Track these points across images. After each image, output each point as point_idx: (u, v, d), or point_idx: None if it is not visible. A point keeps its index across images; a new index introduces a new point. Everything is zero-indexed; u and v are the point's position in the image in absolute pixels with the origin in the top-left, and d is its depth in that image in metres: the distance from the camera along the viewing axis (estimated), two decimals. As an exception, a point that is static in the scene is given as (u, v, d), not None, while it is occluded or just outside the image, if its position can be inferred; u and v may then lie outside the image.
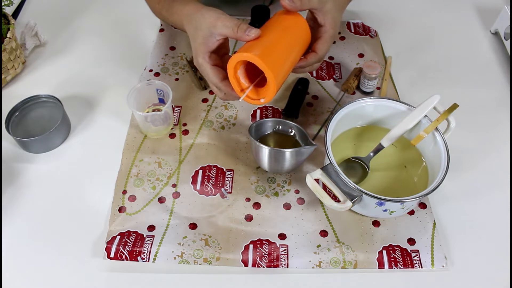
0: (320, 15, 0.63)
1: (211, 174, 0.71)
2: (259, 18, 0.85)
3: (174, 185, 0.70)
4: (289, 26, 0.61)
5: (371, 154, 0.68)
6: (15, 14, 1.00)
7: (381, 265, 0.62)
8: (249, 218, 0.67)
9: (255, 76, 0.61)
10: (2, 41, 0.79)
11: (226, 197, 0.69)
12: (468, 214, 0.68)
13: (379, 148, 0.68)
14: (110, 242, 0.63)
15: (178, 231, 0.65)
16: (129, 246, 0.62)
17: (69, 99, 0.82)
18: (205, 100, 0.82)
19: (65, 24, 0.98)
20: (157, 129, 0.75)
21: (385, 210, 0.63)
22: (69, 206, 0.68)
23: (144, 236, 0.64)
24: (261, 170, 0.72)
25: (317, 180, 0.62)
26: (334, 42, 0.93)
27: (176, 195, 0.69)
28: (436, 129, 0.66)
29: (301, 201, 0.69)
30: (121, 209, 0.67)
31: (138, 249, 0.62)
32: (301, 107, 0.80)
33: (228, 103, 0.81)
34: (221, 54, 0.65)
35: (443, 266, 0.62)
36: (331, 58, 0.90)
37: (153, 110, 0.79)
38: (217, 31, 0.60)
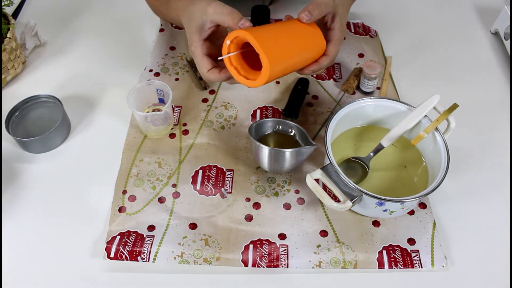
0: (330, 19, 0.64)
1: (211, 174, 0.71)
2: (259, 18, 0.85)
3: (174, 185, 0.70)
4: (301, 32, 0.61)
5: (371, 154, 0.68)
6: (15, 14, 1.00)
7: (381, 265, 0.62)
8: (249, 218, 0.67)
9: (254, 66, 0.61)
10: (2, 41, 0.79)
11: (226, 197, 0.69)
12: (468, 214, 0.68)
13: (379, 148, 0.68)
14: (110, 242, 0.63)
15: (178, 231, 0.65)
16: (129, 246, 0.62)
17: (69, 99, 0.82)
18: (205, 100, 0.82)
19: (65, 24, 0.98)
20: (157, 129, 0.75)
21: (385, 210, 0.63)
22: (69, 206, 0.68)
23: (144, 236, 0.64)
24: (261, 170, 0.72)
25: (317, 180, 0.62)
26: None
27: (176, 195, 0.69)
28: (436, 129, 0.66)
29: (301, 201, 0.69)
30: (121, 209, 0.67)
31: (138, 249, 0.62)
32: (301, 107, 0.80)
33: (228, 103, 0.81)
34: (218, 45, 0.65)
35: (443, 266, 0.62)
36: (331, 58, 0.90)
37: (153, 110, 0.79)
38: (209, 17, 0.60)
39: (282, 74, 0.61)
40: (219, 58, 0.60)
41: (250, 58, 0.60)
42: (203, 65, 0.62)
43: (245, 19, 0.59)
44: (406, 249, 0.63)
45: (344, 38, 0.94)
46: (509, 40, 0.89)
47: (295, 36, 0.61)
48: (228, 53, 0.59)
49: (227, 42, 0.58)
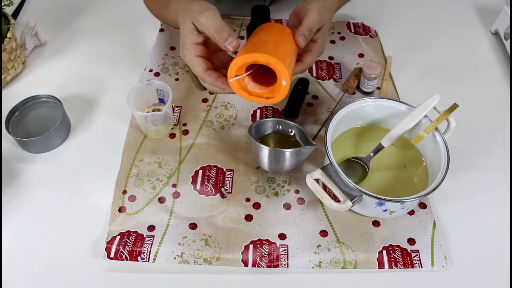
0: (316, 33, 0.64)
1: (211, 174, 0.71)
2: (259, 18, 0.85)
3: (174, 185, 0.70)
4: (283, 34, 0.62)
5: (371, 154, 0.68)
6: (15, 14, 1.00)
7: (381, 265, 0.62)
8: (249, 218, 0.67)
9: (263, 81, 0.60)
10: (2, 41, 0.79)
11: (226, 197, 0.69)
12: (468, 214, 0.68)
13: (379, 148, 0.68)
14: (110, 242, 0.63)
15: (178, 231, 0.65)
16: (129, 246, 0.62)
17: (69, 99, 0.82)
18: (205, 100, 0.82)
19: (65, 24, 0.98)
20: (157, 129, 0.75)
21: (385, 210, 0.63)
22: (69, 206, 0.68)
23: (144, 236, 0.64)
24: (261, 170, 0.72)
25: (317, 180, 0.62)
26: (334, 42, 0.93)
27: (176, 195, 0.69)
28: (436, 129, 0.66)
29: (301, 201, 0.69)
30: (121, 209, 0.67)
31: (138, 249, 0.62)
32: (301, 107, 0.80)
33: (228, 103, 0.81)
34: (213, 50, 0.64)
35: (443, 266, 0.62)
36: (331, 58, 0.90)
37: (153, 110, 0.79)
38: (199, 26, 0.59)
39: None
40: (230, 80, 0.58)
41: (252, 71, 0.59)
42: (198, 65, 0.60)
43: (232, 38, 0.58)
44: (406, 249, 0.63)
45: (344, 38, 0.94)
46: (509, 40, 0.89)
47: (288, 47, 0.61)
48: (236, 75, 0.57)
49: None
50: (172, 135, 0.77)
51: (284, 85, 0.57)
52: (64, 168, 0.73)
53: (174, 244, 0.63)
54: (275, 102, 0.59)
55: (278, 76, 0.56)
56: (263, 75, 0.60)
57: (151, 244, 0.63)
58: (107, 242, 0.63)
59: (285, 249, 0.63)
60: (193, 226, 0.65)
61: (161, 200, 0.68)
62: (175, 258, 0.62)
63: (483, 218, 0.68)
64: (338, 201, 0.61)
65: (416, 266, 0.62)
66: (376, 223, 0.66)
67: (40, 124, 0.76)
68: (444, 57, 0.92)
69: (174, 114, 0.80)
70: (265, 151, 0.66)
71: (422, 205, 0.68)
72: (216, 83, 0.60)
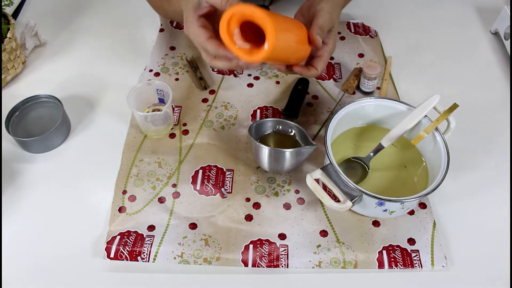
0: (326, 34, 0.64)
1: (211, 174, 0.71)
2: (259, 18, 0.85)
3: (174, 185, 0.70)
4: (296, 28, 0.61)
5: (371, 154, 0.68)
6: (15, 14, 1.00)
7: (381, 265, 0.62)
8: (249, 218, 0.67)
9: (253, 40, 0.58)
10: (2, 41, 0.79)
11: (226, 197, 0.69)
12: (468, 214, 0.68)
13: (379, 148, 0.68)
14: (110, 242, 0.63)
15: (178, 231, 0.65)
16: (129, 246, 0.62)
17: (69, 99, 0.82)
18: (205, 100, 0.82)
19: (65, 24, 0.98)
20: (157, 129, 0.75)
21: (385, 210, 0.63)
22: (69, 206, 0.68)
23: (144, 236, 0.64)
24: (261, 170, 0.72)
25: (317, 180, 0.62)
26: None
27: (176, 195, 0.69)
28: (436, 129, 0.66)
29: (301, 201, 0.69)
30: (121, 209, 0.67)
31: (138, 249, 0.62)
32: (301, 107, 0.80)
33: (228, 103, 0.81)
34: (216, 28, 0.63)
35: (443, 266, 0.62)
36: (331, 58, 0.90)
37: (153, 110, 0.79)
38: None
39: (279, 58, 0.59)
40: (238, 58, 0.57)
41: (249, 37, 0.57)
42: (200, 34, 0.59)
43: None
44: (406, 249, 0.63)
45: (344, 38, 0.94)
46: (509, 40, 0.89)
47: (292, 28, 0.59)
48: (228, 27, 0.56)
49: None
50: (172, 135, 0.77)
51: (265, 49, 0.54)
52: (64, 168, 0.73)
53: (174, 244, 0.63)
54: (248, 60, 0.56)
55: (266, 36, 0.54)
56: (256, 38, 0.57)
57: (151, 244, 0.63)
58: (107, 242, 0.63)
59: (285, 249, 0.63)
60: (193, 226, 0.65)
61: (161, 200, 0.68)
62: (175, 258, 0.62)
63: (483, 218, 0.68)
64: (338, 201, 0.61)
65: (416, 266, 0.62)
66: (376, 223, 0.66)
67: (40, 124, 0.76)
68: (444, 57, 0.92)
69: (174, 114, 0.80)
70: (265, 151, 0.66)
71: (422, 205, 0.68)
72: (218, 50, 0.58)
